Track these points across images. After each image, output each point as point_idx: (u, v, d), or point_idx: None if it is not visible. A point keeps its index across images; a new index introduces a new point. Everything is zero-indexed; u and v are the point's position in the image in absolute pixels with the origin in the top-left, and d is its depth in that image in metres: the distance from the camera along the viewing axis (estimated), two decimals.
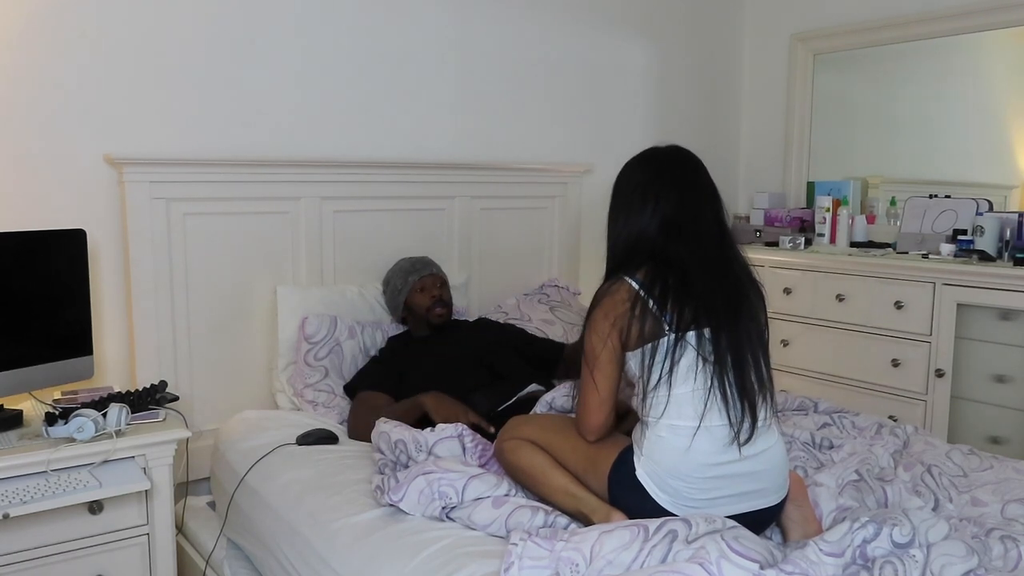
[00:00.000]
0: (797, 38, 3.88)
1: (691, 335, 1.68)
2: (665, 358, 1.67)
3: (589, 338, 1.75)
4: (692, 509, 1.65)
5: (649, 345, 1.69)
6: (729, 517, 1.62)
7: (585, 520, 1.74)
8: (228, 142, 2.68)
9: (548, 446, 1.84)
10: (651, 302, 1.69)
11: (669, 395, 1.67)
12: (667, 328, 1.68)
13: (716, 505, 1.66)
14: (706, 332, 1.68)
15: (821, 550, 1.50)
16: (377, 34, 2.97)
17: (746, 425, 1.67)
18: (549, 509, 1.77)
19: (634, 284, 1.71)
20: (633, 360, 1.73)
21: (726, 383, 1.67)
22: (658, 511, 1.66)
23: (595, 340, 1.73)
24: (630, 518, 1.67)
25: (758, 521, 1.72)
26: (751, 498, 1.69)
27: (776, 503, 1.73)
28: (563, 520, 1.74)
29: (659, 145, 1.87)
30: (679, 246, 1.73)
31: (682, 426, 1.66)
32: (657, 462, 1.67)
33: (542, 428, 1.90)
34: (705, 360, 1.67)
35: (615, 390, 1.76)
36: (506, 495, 1.81)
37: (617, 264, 1.80)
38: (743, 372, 1.69)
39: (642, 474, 1.68)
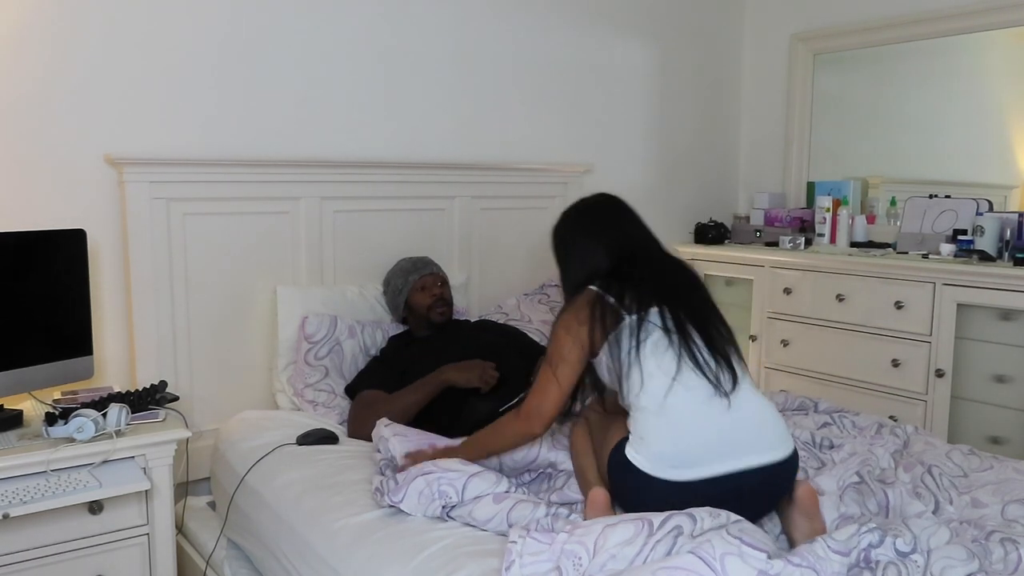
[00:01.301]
0: (797, 38, 3.88)
1: (652, 312, 1.80)
2: (631, 338, 1.77)
3: (559, 335, 1.85)
4: (682, 471, 1.68)
5: (613, 334, 1.80)
6: (728, 477, 1.66)
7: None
8: (228, 142, 2.68)
9: (590, 423, 1.97)
10: (610, 297, 1.83)
11: (642, 372, 1.75)
12: (626, 313, 1.80)
13: (707, 462, 1.68)
14: (665, 309, 1.81)
15: (829, 547, 1.49)
16: (377, 34, 2.97)
17: (725, 376, 1.75)
18: (551, 501, 1.77)
19: (594, 288, 1.87)
20: (604, 355, 1.82)
21: (694, 348, 1.77)
22: (650, 484, 1.69)
23: (563, 336, 1.84)
24: (624, 499, 1.75)
25: (761, 484, 1.72)
26: (744, 453, 1.70)
27: (776, 460, 1.72)
28: (564, 510, 1.75)
29: (585, 196, 2.12)
30: (630, 266, 1.91)
31: (658, 392, 1.74)
32: (643, 436, 1.73)
33: (592, 409, 2.01)
34: (669, 331, 1.78)
35: (573, 387, 1.87)
36: (506, 492, 1.82)
37: (576, 290, 1.94)
38: (708, 334, 1.81)
39: (631, 452, 1.74)
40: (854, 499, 1.86)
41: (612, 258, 1.94)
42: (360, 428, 2.37)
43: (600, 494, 1.76)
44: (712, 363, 1.76)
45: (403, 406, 2.34)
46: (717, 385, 1.73)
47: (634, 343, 1.76)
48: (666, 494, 1.68)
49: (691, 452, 1.70)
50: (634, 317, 1.78)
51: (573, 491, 1.90)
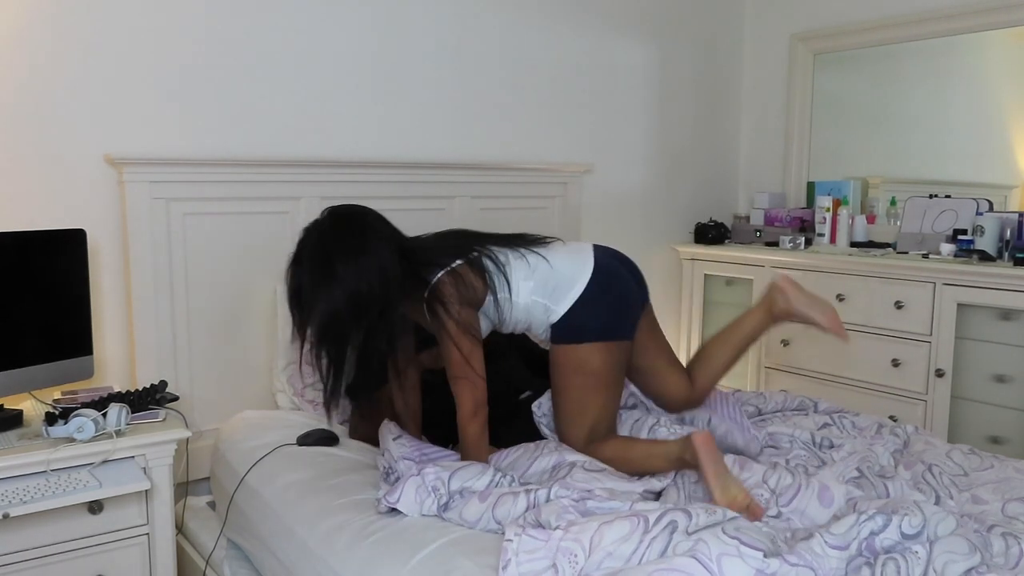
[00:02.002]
0: (797, 38, 3.89)
1: (487, 248, 2.13)
2: (499, 271, 2.10)
3: (456, 347, 2.03)
4: (584, 276, 2.11)
5: (489, 282, 2.10)
6: (599, 260, 2.14)
7: (683, 463, 1.90)
8: (228, 142, 2.69)
9: (592, 420, 2.08)
10: (454, 263, 2.08)
11: (520, 277, 2.12)
12: (486, 258, 2.11)
13: (585, 262, 2.14)
14: (485, 242, 2.17)
15: (826, 543, 1.49)
16: (377, 34, 2.97)
17: (548, 239, 2.26)
18: (531, 488, 1.78)
19: (436, 278, 2.04)
20: (486, 305, 2.10)
21: (519, 242, 2.19)
22: (586, 303, 2.08)
23: (467, 340, 2.05)
24: (587, 333, 2.06)
25: (617, 254, 2.24)
26: (587, 249, 2.20)
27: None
28: (543, 493, 1.75)
29: (320, 218, 2.14)
30: (420, 251, 2.11)
31: (536, 268, 2.14)
32: (552, 294, 2.11)
33: (569, 419, 2.11)
34: (505, 247, 2.16)
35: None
36: (489, 484, 1.84)
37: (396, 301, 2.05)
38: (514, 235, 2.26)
39: (560, 310, 2.10)
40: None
41: (395, 252, 2.06)
42: (362, 429, 2.37)
43: (701, 437, 1.83)
44: (536, 240, 2.22)
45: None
46: (548, 243, 2.22)
47: (501, 274, 2.10)
48: (594, 294, 2.09)
49: (574, 267, 2.13)
50: (487, 259, 2.11)
51: (576, 480, 1.89)
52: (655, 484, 1.92)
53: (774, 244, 3.62)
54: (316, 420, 2.47)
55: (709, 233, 3.84)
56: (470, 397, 2.05)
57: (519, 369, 2.54)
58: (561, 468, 1.97)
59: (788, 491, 1.83)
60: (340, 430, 2.41)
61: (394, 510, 1.83)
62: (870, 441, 2.24)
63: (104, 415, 2.06)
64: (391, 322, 2.03)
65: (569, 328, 2.09)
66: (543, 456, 2.01)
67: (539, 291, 2.12)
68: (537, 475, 1.99)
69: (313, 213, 2.78)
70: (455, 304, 2.05)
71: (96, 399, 2.18)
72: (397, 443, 2.08)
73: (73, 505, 1.96)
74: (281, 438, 2.31)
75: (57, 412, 2.08)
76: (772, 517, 1.78)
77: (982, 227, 3.01)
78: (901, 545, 1.53)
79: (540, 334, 2.22)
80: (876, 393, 3.19)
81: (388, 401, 2.38)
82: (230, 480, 2.26)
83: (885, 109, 3.65)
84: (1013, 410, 2.87)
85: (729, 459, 1.99)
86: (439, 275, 2.06)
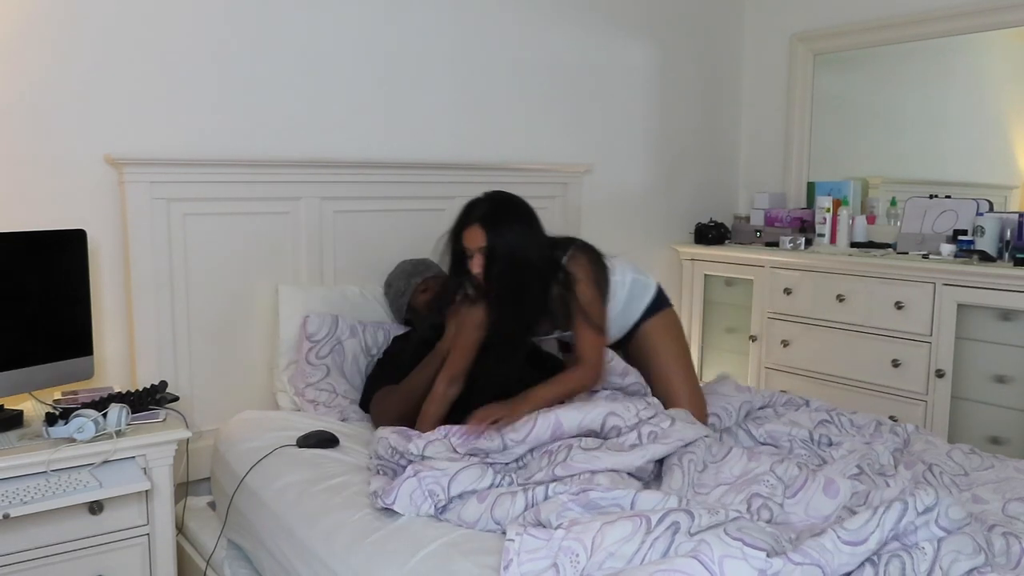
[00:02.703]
0: (797, 38, 3.89)
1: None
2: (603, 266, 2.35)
3: (587, 322, 2.22)
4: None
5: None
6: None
7: None
8: (228, 142, 2.68)
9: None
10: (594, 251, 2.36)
11: (627, 269, 2.44)
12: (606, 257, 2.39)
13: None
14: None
15: (839, 538, 1.47)
16: (377, 34, 2.97)
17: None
18: (528, 487, 1.78)
19: (569, 254, 2.27)
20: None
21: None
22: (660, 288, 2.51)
23: (593, 320, 2.22)
24: (664, 303, 2.47)
25: None
26: None
27: None
28: (541, 491, 1.76)
29: (494, 193, 2.35)
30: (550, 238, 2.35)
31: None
32: (643, 271, 2.50)
33: (693, 379, 2.44)
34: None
35: None
36: (488, 487, 1.84)
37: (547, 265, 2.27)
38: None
39: (653, 285, 2.49)
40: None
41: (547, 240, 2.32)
42: (388, 416, 2.39)
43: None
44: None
45: (409, 387, 2.38)
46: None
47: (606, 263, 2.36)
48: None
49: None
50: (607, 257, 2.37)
51: (577, 462, 1.89)
52: (657, 450, 1.94)
53: (774, 244, 3.61)
54: (316, 420, 2.47)
55: (709, 233, 3.84)
56: (599, 353, 2.25)
57: (526, 371, 2.53)
58: (559, 451, 1.97)
59: (795, 483, 1.84)
60: (340, 429, 2.41)
61: (390, 508, 1.83)
62: (868, 439, 2.24)
63: (104, 415, 2.06)
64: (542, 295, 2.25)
65: (662, 298, 2.47)
66: (542, 418, 2.02)
67: (632, 272, 2.43)
68: (536, 455, 1.98)
69: (313, 213, 2.80)
70: (589, 282, 2.25)
71: (96, 399, 2.18)
72: (388, 430, 2.12)
73: (73, 505, 1.96)
74: (281, 439, 2.31)
75: (57, 412, 2.08)
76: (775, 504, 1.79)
77: (982, 227, 3.01)
78: (926, 529, 1.52)
79: (632, 317, 2.43)
80: (876, 394, 3.19)
81: (416, 387, 2.39)
82: (229, 481, 2.26)
83: (885, 109, 3.65)
84: (1013, 410, 2.87)
85: (737, 451, 2.00)
86: (570, 252, 2.28)
